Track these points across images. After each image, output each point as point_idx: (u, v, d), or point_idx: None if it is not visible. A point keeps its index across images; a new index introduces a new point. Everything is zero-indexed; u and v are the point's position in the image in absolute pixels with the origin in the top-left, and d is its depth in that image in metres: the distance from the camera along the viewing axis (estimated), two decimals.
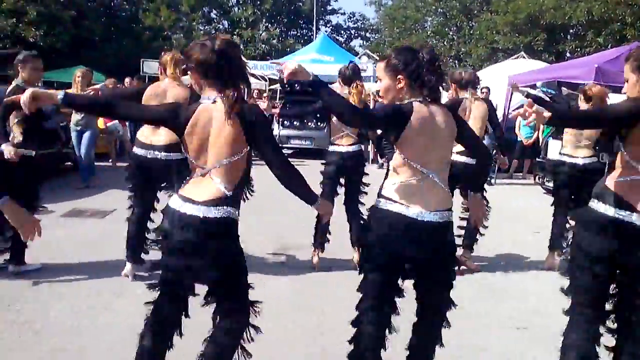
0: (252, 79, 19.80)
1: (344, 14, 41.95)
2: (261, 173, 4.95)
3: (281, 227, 6.38)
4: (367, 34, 40.95)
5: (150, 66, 20.39)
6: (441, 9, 32.17)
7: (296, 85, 12.85)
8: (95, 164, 10.16)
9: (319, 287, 4.60)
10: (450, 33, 31.95)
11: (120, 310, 3.89)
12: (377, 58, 20.79)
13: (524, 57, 18.37)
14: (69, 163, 9.77)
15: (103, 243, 5.37)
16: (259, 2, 34.50)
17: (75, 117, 8.36)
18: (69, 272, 4.62)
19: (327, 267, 5.04)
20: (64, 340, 3.41)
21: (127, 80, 12.02)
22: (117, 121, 10.46)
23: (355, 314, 2.69)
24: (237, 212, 2.44)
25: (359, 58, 22.15)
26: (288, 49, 29.94)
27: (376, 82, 15.55)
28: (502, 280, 5.01)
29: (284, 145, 14.23)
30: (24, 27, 23.58)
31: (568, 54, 24.11)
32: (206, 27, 35.27)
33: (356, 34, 41.29)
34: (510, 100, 10.89)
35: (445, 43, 31.83)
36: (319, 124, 14.15)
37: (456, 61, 31.59)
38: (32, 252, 4.70)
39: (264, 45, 32.74)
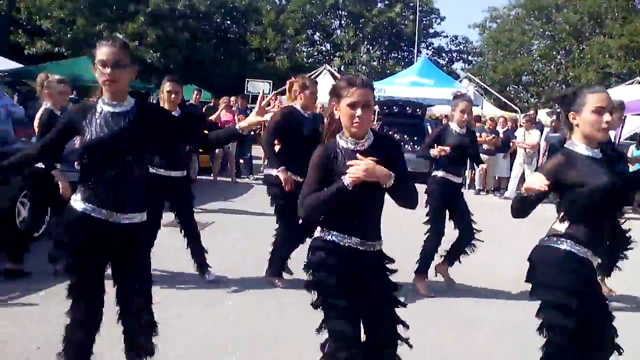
0: None
1: (446, 36, 41.39)
2: None
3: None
4: (470, 57, 40.17)
5: (254, 85, 21.29)
6: (549, 32, 30.95)
7: (394, 107, 12.96)
8: (197, 177, 10.72)
9: None
10: (558, 57, 30.58)
11: (207, 320, 4.04)
12: (478, 81, 20.34)
13: (639, 83, 17.23)
14: None
15: (174, 256, 5.58)
16: (361, 25, 34.99)
17: None
18: (166, 280, 4.88)
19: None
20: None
21: (232, 98, 12.61)
22: None
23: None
24: None
25: (460, 81, 21.75)
26: (388, 71, 30.06)
27: (476, 106, 15.14)
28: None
29: None
30: (144, 49, 25.50)
31: None
32: (309, 49, 36.27)
33: (458, 57, 40.61)
34: (622, 128, 10.23)
35: (552, 67, 30.52)
36: (415, 146, 14.03)
37: (563, 86, 30.16)
38: None
39: (364, 67, 33.09)
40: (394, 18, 34.26)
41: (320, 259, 2.52)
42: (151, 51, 25.38)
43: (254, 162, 12.58)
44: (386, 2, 36.12)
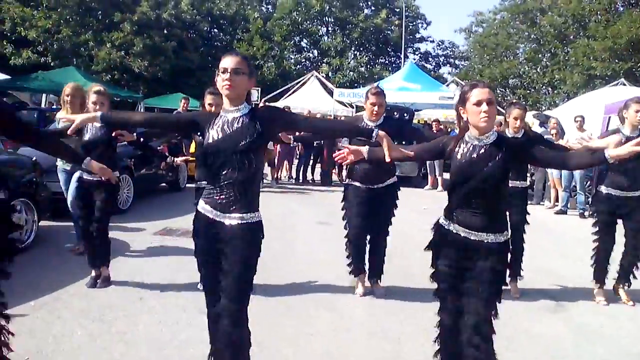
0: (339, 106, 20.22)
1: (432, 41, 41.76)
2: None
3: None
4: (457, 61, 40.49)
5: None
6: (534, 35, 31.28)
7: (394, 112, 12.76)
8: (187, 185, 10.69)
9: (394, 314, 4.56)
10: (544, 59, 30.91)
11: (203, 326, 4.04)
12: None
13: (623, 84, 17.47)
14: (164, 184, 10.36)
15: (191, 262, 5.61)
16: (347, 31, 35.16)
17: None
18: (158, 287, 4.89)
19: (404, 293, 5.00)
20: (150, 352, 3.61)
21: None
22: None
23: (431, 344, 2.68)
24: None
25: (447, 86, 21.92)
26: (375, 77, 30.20)
27: None
28: None
29: None
30: (131, 59, 25.42)
31: None
32: (297, 55, 36.37)
33: (445, 61, 40.93)
34: (607, 129, 10.34)
35: (538, 70, 30.83)
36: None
37: (549, 88, 30.46)
38: (122, 268, 5.03)
39: (352, 73, 33.23)
40: (380, 24, 34.47)
41: (434, 243, 2.95)
42: (138, 60, 25.31)
43: None
44: (372, 8, 36.36)
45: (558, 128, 10.88)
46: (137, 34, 25.62)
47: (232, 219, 2.71)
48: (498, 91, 32.76)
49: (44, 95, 19.74)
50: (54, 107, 18.33)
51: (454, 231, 2.83)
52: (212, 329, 2.84)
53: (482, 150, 2.75)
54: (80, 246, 5.48)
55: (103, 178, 4.14)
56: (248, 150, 2.65)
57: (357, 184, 4.89)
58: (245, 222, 2.71)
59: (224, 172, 2.67)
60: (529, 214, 5.16)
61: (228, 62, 2.66)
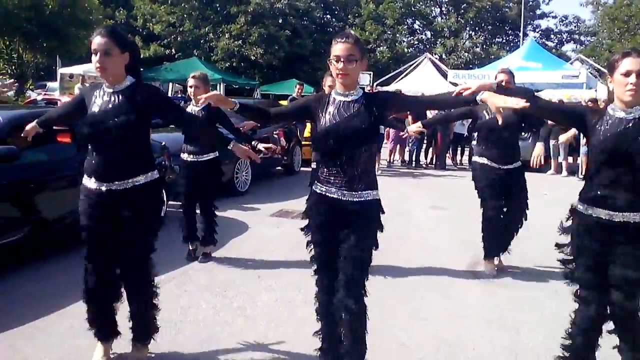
0: (453, 88, 19.63)
1: (555, 17, 39.08)
2: (464, 183, 4.89)
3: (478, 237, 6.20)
4: (582, 37, 37.70)
5: None
6: None
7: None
8: (301, 169, 10.95)
9: (512, 302, 4.37)
10: None
11: None
12: (592, 63, 18.80)
13: None
14: (279, 168, 10.70)
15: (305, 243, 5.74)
16: (462, 11, 33.93)
17: None
18: (275, 266, 5.07)
19: (523, 280, 4.79)
20: (268, 328, 3.76)
21: None
22: None
23: (554, 336, 2.52)
24: None
25: (571, 64, 20.48)
26: (492, 56, 28.93)
27: (590, 89, 14.01)
28: None
29: None
30: (247, 48, 26.42)
31: None
32: (409, 38, 35.75)
33: (568, 38, 38.25)
34: None
35: None
36: (523, 133, 13.36)
37: None
38: (241, 247, 5.23)
39: (466, 54, 32.10)
40: (498, 1, 32.89)
41: (572, 231, 2.75)
42: (254, 49, 26.23)
43: None
44: None
45: None
46: (252, 24, 26.53)
47: (356, 197, 2.74)
48: None
49: (170, 84, 21.11)
50: (180, 95, 19.62)
51: (594, 215, 2.62)
52: (325, 304, 2.90)
53: (630, 124, 2.51)
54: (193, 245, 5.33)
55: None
56: (366, 133, 2.67)
57: (488, 161, 4.84)
58: (371, 198, 2.78)
59: (343, 154, 2.70)
60: None
61: (341, 49, 2.65)
